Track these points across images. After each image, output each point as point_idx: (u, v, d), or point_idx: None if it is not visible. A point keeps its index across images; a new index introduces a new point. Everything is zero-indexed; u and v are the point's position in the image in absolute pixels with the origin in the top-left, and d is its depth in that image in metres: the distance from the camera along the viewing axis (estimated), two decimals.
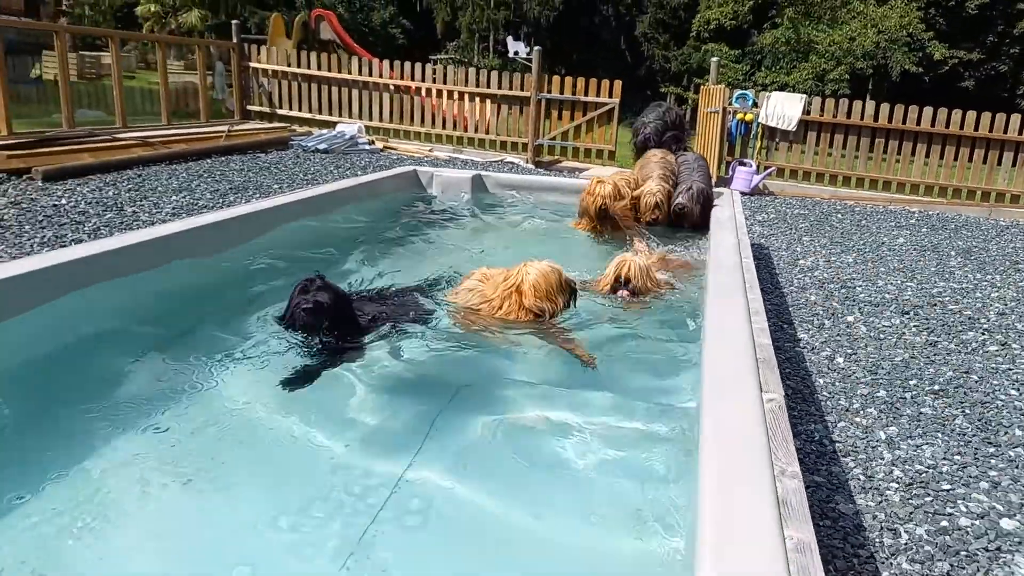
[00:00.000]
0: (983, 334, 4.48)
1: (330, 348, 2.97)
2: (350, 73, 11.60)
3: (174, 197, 6.31)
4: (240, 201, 6.39)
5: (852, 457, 2.86)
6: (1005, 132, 9.64)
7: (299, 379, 2.74)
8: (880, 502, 2.56)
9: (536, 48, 10.94)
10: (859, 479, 2.71)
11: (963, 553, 2.31)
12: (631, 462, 2.30)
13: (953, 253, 6.79)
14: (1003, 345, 4.30)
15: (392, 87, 11.49)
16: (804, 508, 1.58)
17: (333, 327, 3.00)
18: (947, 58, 28.72)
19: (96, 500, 1.99)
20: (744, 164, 9.83)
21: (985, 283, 5.74)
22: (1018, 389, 3.63)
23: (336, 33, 17.95)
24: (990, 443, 3.05)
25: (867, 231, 7.57)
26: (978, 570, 2.24)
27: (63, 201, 5.79)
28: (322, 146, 9.83)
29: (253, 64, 11.89)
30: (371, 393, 2.69)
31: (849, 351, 4.03)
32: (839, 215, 8.47)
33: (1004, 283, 5.76)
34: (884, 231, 7.63)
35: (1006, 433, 3.15)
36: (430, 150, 11.08)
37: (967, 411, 3.34)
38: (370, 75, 11.53)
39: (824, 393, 3.45)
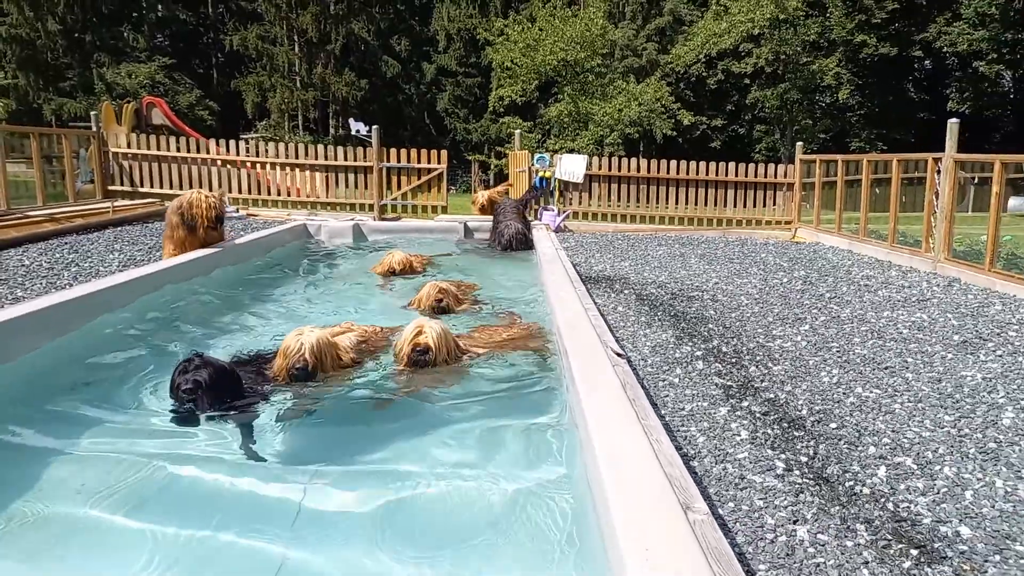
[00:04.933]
0: (704, 294, 7.30)
1: (218, 416, 3.22)
2: (208, 153, 13.23)
3: (111, 255, 7.81)
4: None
5: (624, 342, 5.36)
6: (725, 175, 13.36)
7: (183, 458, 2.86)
8: (639, 362, 5.04)
9: (374, 127, 13.28)
10: (629, 351, 5.19)
11: None
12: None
13: (694, 257, 9.86)
14: (714, 299, 7.12)
15: (222, 162, 13.30)
16: (632, 377, 3.95)
17: (216, 400, 3.24)
18: (696, 123, 34.76)
19: None
20: (548, 209, 12.71)
21: (710, 271, 8.73)
22: (718, 311, 6.38)
23: (167, 117, 19.14)
24: (695, 335, 5.70)
25: (638, 249, 10.55)
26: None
27: (13, 263, 7.14)
28: None
29: (113, 149, 13.14)
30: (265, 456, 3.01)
31: (624, 305, 6.63)
32: (619, 241, 11.47)
33: (721, 269, 8.80)
34: (650, 248, 10.66)
35: (706, 327, 5.83)
36: (288, 215, 12.91)
37: (684, 324, 6.01)
38: (227, 153, 13.24)
39: (612, 320, 5.97)
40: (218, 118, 38.95)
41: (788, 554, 2.57)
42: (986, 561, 2.54)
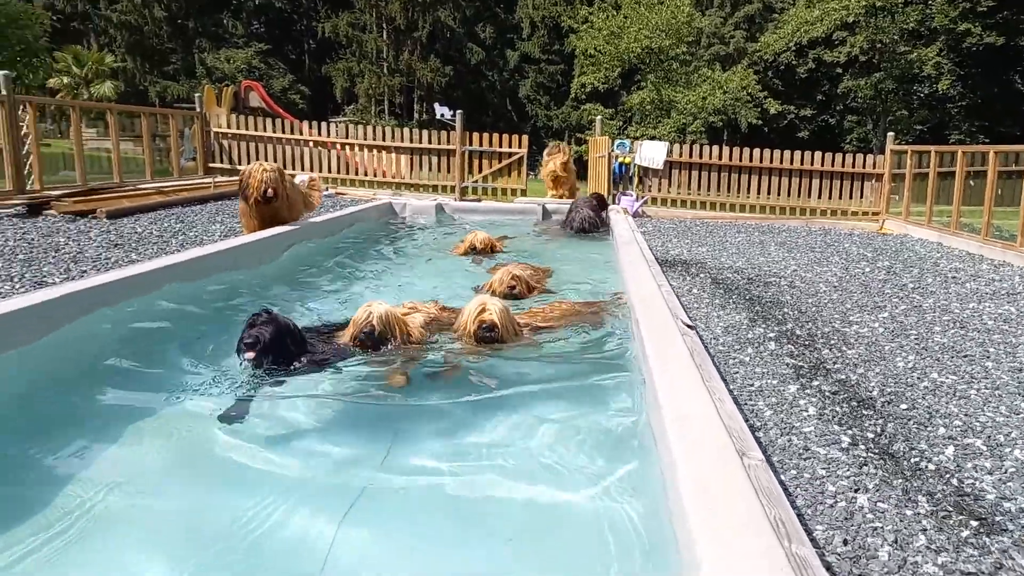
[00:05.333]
0: (782, 280, 7.27)
1: (278, 376, 3.31)
2: (301, 134, 13.84)
3: (213, 226, 8.36)
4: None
5: (698, 322, 5.45)
6: (811, 164, 13.07)
7: (235, 414, 2.99)
8: (711, 339, 5.13)
9: (459, 112, 13.60)
10: (702, 331, 5.28)
11: None
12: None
13: (773, 245, 9.76)
14: (791, 285, 7.09)
15: (314, 144, 13.87)
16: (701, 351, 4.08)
17: (276, 356, 3.33)
18: (784, 112, 33.83)
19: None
20: (627, 194, 12.76)
21: (789, 258, 8.64)
22: (794, 297, 6.38)
23: (263, 100, 20.04)
24: (769, 318, 5.73)
25: (716, 235, 10.50)
26: None
27: (127, 230, 7.75)
28: None
29: (214, 129, 13.91)
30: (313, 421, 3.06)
31: (699, 288, 6.70)
32: (697, 227, 11.42)
33: (800, 257, 8.70)
34: (728, 235, 10.59)
35: (781, 311, 5.85)
36: (374, 194, 13.39)
37: (758, 308, 6.04)
38: (320, 135, 13.82)
39: (686, 301, 6.06)
40: (309, 102, 40.34)
41: (846, 518, 2.66)
42: None
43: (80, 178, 10.19)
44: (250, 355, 3.27)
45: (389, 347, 3.73)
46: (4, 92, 9.01)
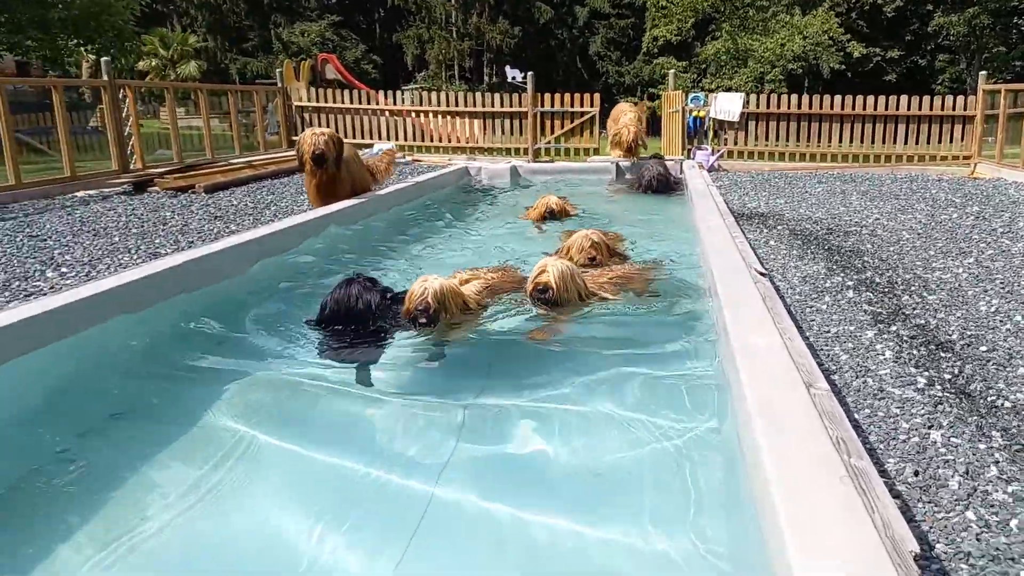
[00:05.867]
0: (863, 229, 7.16)
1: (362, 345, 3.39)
2: (378, 104, 14.21)
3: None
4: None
5: (774, 273, 5.49)
6: (896, 109, 12.58)
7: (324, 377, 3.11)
8: (788, 290, 5.18)
9: (529, 73, 13.66)
10: (778, 282, 5.33)
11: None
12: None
13: (855, 195, 9.54)
14: (872, 234, 6.98)
15: (390, 113, 14.19)
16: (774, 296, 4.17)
17: (355, 322, 3.46)
18: (869, 55, 32.22)
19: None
20: (702, 148, 12.61)
21: (872, 207, 8.46)
22: (875, 245, 6.31)
23: (339, 72, 20.50)
24: (848, 267, 5.71)
25: (795, 186, 10.32)
26: None
27: (224, 203, 8.26)
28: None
29: (295, 103, 14.43)
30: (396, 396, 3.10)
31: (776, 240, 6.69)
32: (775, 179, 11.23)
33: (883, 206, 8.50)
34: (808, 185, 10.39)
35: (860, 260, 5.82)
36: (449, 159, 13.67)
37: (837, 257, 6.01)
38: (395, 104, 14.15)
39: (763, 253, 6.09)
40: (381, 71, 40.92)
41: (919, 452, 2.77)
42: None
43: (176, 156, 10.84)
44: (334, 317, 3.43)
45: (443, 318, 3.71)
46: (106, 78, 9.63)
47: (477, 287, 4.15)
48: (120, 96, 9.95)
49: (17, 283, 4.81)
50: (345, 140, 12.38)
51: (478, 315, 3.96)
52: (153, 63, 28.28)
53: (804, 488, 1.43)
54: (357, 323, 3.46)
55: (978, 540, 2.24)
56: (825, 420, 1.78)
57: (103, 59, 9.61)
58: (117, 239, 6.20)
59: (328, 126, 14.30)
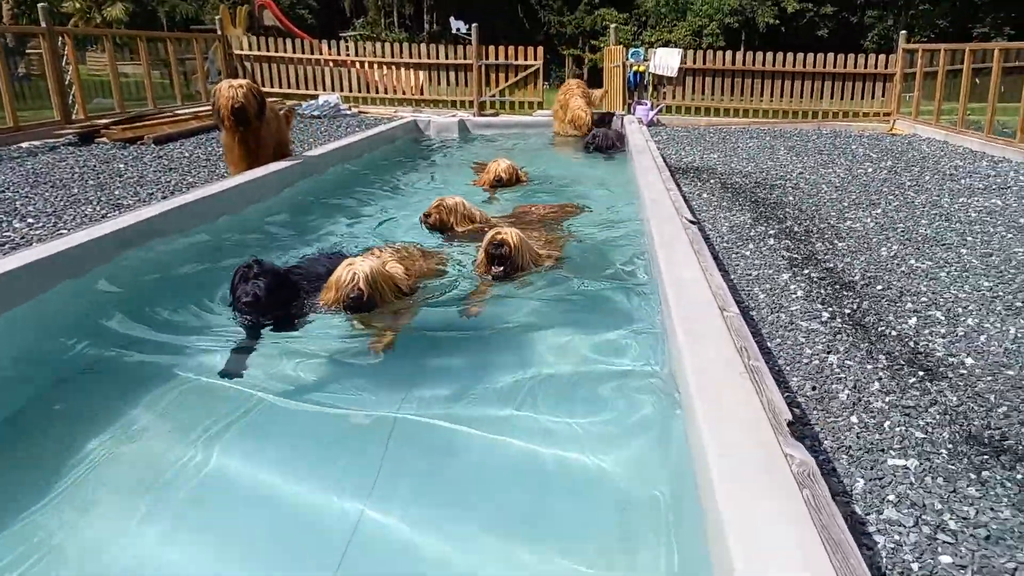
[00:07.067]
0: (787, 183, 7.75)
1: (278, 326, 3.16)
2: (322, 53, 14.14)
3: None
4: (301, 150, 9.03)
5: (705, 223, 6.01)
6: (824, 67, 13.24)
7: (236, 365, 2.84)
8: (721, 242, 5.70)
9: (474, 25, 13.78)
10: (708, 231, 5.85)
11: None
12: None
13: (783, 149, 10.16)
14: (795, 187, 7.57)
15: (333, 63, 14.15)
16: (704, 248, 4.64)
17: (275, 308, 3.18)
18: (803, 10, 33.02)
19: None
20: (642, 104, 13.06)
21: (797, 162, 9.08)
22: (797, 198, 6.89)
23: (277, 19, 20.09)
24: (771, 217, 6.28)
25: (728, 141, 10.89)
26: None
27: (176, 155, 8.33)
28: (316, 112, 12.42)
29: (236, 52, 14.23)
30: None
31: (708, 192, 7.21)
32: (711, 134, 11.79)
33: (808, 161, 9.13)
34: (740, 141, 10.97)
35: (783, 211, 6.39)
36: (395, 111, 13.79)
37: (762, 209, 6.57)
38: (338, 54, 14.11)
39: (696, 204, 6.60)
40: (317, 16, 39.77)
41: (817, 372, 3.32)
42: (979, 380, 3.22)
43: (118, 106, 10.71)
44: (250, 314, 3.13)
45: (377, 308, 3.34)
46: (44, 24, 9.43)
47: (402, 270, 3.69)
48: (59, 43, 9.77)
49: None
50: (291, 91, 12.29)
51: (413, 301, 3.59)
52: (78, 4, 26.96)
53: (713, 378, 1.91)
54: (257, 313, 3.16)
55: (857, 438, 2.79)
56: (732, 334, 2.26)
57: (40, 4, 9.39)
58: (76, 191, 6.31)
59: (271, 76, 14.20)
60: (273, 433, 2.52)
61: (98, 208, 5.74)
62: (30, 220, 5.31)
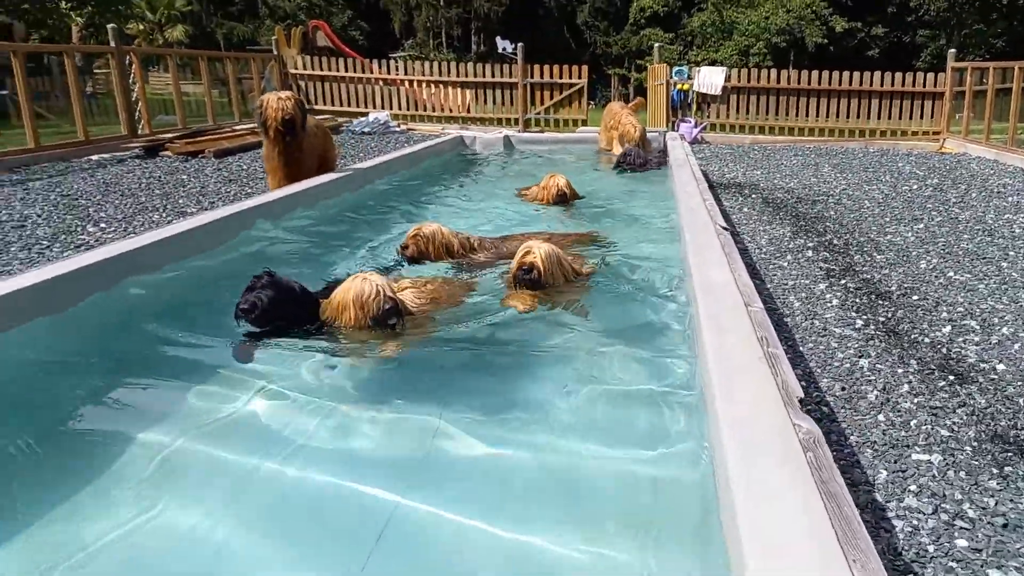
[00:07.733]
0: (830, 198, 7.79)
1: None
2: (372, 72, 14.60)
3: None
4: (351, 162, 9.38)
5: (744, 235, 6.11)
6: (871, 85, 13.18)
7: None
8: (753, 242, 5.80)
9: (519, 44, 14.09)
10: (747, 243, 5.94)
11: None
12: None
13: (827, 167, 10.16)
14: (837, 203, 7.61)
15: (383, 82, 14.58)
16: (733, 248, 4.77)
17: (277, 320, 3.13)
18: (852, 30, 32.74)
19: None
20: (685, 121, 13.17)
21: (841, 178, 9.09)
22: (838, 212, 6.94)
23: (330, 39, 20.72)
24: (811, 231, 6.34)
25: (772, 159, 10.93)
26: None
27: (235, 167, 8.73)
28: (365, 129, 12.83)
29: (291, 71, 14.79)
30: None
31: (749, 207, 7.30)
32: (754, 152, 11.83)
33: (852, 177, 9.13)
34: (784, 158, 11.00)
35: (823, 224, 6.45)
36: (443, 128, 14.13)
37: (802, 223, 6.64)
38: (388, 73, 14.56)
39: (736, 218, 6.70)
40: (368, 37, 40.83)
41: (848, 374, 3.41)
42: (1009, 385, 3.27)
43: (181, 122, 11.25)
44: (246, 319, 3.10)
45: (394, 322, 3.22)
46: (113, 44, 10.01)
47: (412, 295, 3.55)
48: (127, 62, 10.33)
49: (64, 236, 5.33)
50: (342, 109, 12.72)
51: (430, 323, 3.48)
52: (140, 27, 28.25)
53: (734, 363, 2.05)
54: (254, 323, 3.14)
55: (883, 434, 2.89)
56: (755, 327, 2.40)
57: (110, 26, 9.97)
58: (143, 199, 6.71)
59: (324, 94, 14.70)
60: (320, 434, 2.50)
61: (164, 215, 6.10)
62: (103, 225, 5.68)
